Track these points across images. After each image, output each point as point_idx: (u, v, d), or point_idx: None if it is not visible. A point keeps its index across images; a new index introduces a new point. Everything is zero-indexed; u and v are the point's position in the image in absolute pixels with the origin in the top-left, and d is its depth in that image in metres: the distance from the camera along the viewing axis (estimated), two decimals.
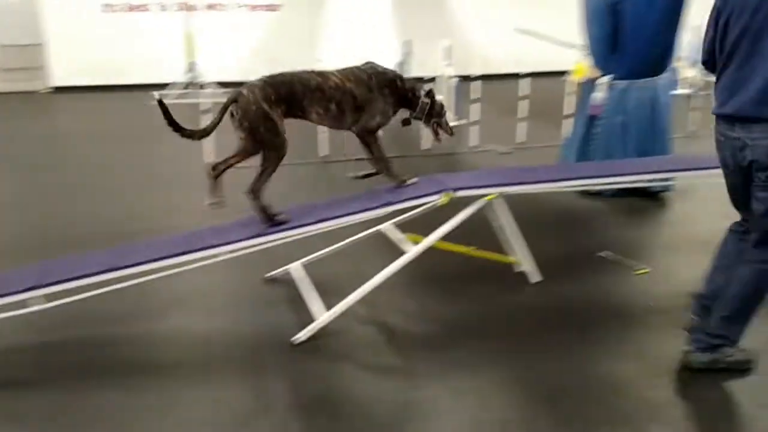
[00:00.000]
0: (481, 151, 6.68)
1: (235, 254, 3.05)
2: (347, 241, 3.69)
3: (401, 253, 3.23)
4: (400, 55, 9.91)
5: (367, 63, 3.22)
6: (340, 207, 3.21)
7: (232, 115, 2.93)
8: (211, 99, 6.65)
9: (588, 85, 5.04)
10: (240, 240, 2.97)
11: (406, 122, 3.38)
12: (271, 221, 3.00)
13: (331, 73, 3.09)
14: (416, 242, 3.27)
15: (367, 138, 3.19)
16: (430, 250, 3.27)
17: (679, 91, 10.39)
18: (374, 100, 3.11)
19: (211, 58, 11.00)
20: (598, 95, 4.89)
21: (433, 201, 3.22)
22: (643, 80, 4.80)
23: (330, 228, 3.13)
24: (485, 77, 7.34)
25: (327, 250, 3.70)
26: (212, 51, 11.15)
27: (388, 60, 10.54)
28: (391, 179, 3.31)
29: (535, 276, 3.58)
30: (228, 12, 12.06)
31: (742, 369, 2.70)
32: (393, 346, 3.00)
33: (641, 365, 2.81)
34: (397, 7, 12.80)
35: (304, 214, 3.15)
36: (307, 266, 3.64)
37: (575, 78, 5.61)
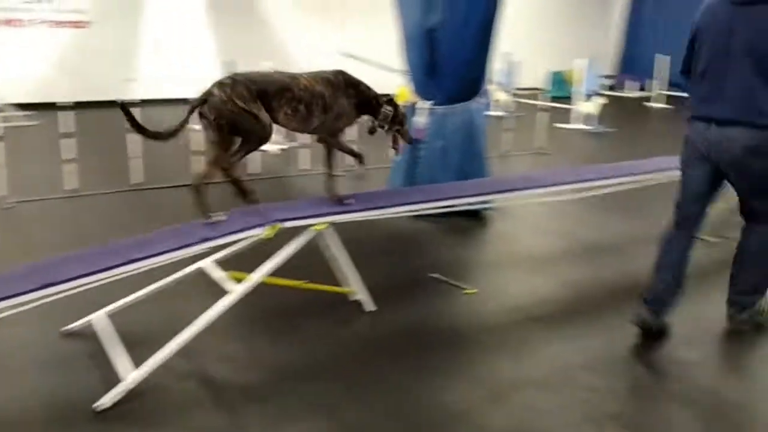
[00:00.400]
0: (313, 174, 6.54)
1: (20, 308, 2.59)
2: (161, 283, 3.29)
3: (225, 293, 2.95)
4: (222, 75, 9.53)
5: (337, 70, 3.26)
6: (152, 245, 2.85)
7: (202, 116, 2.87)
8: (5, 123, 5.89)
9: (410, 110, 5.09)
10: (26, 292, 2.51)
11: (371, 130, 3.38)
12: (247, 195, 3.05)
13: (300, 75, 3.10)
14: (241, 280, 3.01)
15: (330, 140, 3.26)
16: (258, 287, 3.03)
17: (492, 113, 11.12)
18: (339, 100, 3.15)
19: (8, 79, 9.93)
20: (420, 120, 4.96)
21: (257, 234, 2.99)
22: (460, 105, 4.95)
23: (141, 269, 2.78)
24: None
25: (137, 294, 3.27)
26: (8, 70, 10.08)
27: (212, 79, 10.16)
28: (329, 191, 3.37)
29: (369, 305, 3.47)
30: (28, 29, 10.91)
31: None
32: (219, 402, 2.68)
33: (477, 390, 2.78)
34: (216, 27, 12.40)
35: (109, 254, 2.76)
36: (113, 315, 3.18)
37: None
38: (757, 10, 2.85)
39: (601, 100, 10.12)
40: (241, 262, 3.20)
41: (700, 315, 3.54)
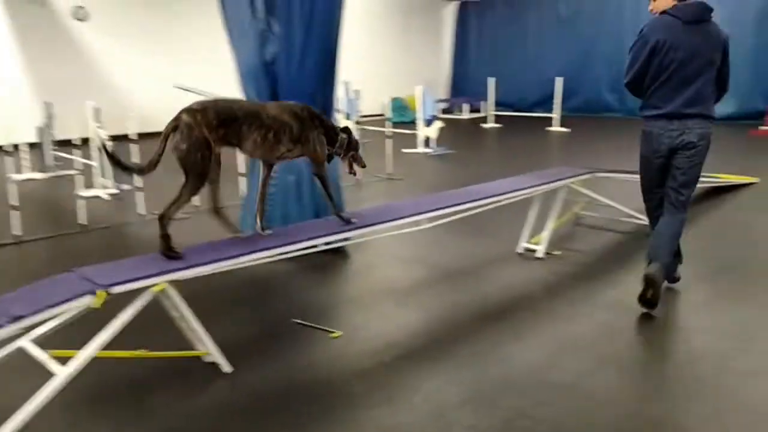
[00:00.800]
0: (149, 220, 6.01)
1: None
2: None
3: (50, 375, 2.50)
4: (43, 117, 8.65)
5: (302, 104, 3.41)
6: None
7: (163, 139, 2.89)
8: None
9: None
10: None
11: (329, 158, 3.54)
12: (169, 252, 2.96)
13: (267, 104, 3.28)
14: (67, 358, 2.57)
15: (321, 172, 3.45)
16: (94, 362, 2.60)
17: None
18: (310, 131, 3.33)
19: None
20: None
21: (81, 306, 2.56)
22: None
23: None
24: (144, 136, 6.73)
25: None
26: None
27: (29, 123, 9.24)
28: (336, 214, 3.61)
29: (225, 366, 3.13)
30: None
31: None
32: None
33: None
34: (31, 65, 11.30)
35: None
36: None
37: None
38: (704, 26, 3.74)
39: (440, 124, 10.45)
40: (69, 335, 2.74)
41: (555, 333, 3.59)
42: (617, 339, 3.50)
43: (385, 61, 15.93)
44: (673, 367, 3.25)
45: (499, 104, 14.89)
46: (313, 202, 4.79)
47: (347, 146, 3.57)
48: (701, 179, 4.07)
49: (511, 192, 4.55)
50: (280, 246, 3.33)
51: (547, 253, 4.87)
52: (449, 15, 17.62)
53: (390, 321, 3.80)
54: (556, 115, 12.74)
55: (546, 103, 15.33)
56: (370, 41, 15.67)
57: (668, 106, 3.76)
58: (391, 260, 4.96)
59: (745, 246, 5.21)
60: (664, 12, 3.78)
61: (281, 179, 4.76)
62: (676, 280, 4.18)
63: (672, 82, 3.74)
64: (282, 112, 3.24)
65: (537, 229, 5.01)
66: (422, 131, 10.49)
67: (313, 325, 3.67)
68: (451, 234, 5.21)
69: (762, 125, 11.26)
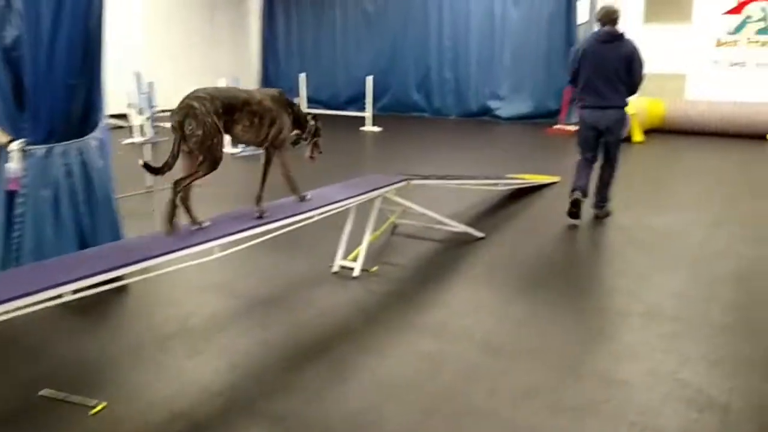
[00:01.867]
0: None
1: None
2: None
3: None
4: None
5: (278, 90, 3.62)
6: None
7: (177, 128, 3.02)
8: None
9: None
10: None
11: (296, 142, 3.82)
12: (170, 224, 3.12)
13: (252, 91, 3.47)
14: None
15: (275, 152, 3.57)
16: None
17: (133, 140, 9.85)
18: (283, 116, 3.54)
19: None
20: (12, 166, 3.69)
21: None
22: (66, 143, 3.81)
23: None
24: None
25: None
26: None
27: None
28: (294, 194, 3.91)
29: None
30: None
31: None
32: None
33: None
34: None
35: None
36: None
37: None
38: (613, 45, 5.45)
39: None
40: None
41: (377, 372, 3.11)
42: (445, 375, 3.10)
43: (187, 55, 14.67)
44: (511, 408, 2.91)
45: (311, 101, 14.40)
46: (75, 225, 3.85)
47: (314, 133, 3.87)
48: (507, 182, 6.45)
49: (326, 206, 4.01)
50: (20, 297, 2.46)
51: (364, 270, 4.41)
52: (256, 8, 16.76)
53: (179, 378, 3.07)
54: (368, 114, 12.52)
55: (358, 102, 15.14)
56: (169, 33, 14.34)
57: (589, 100, 5.60)
58: (186, 290, 4.18)
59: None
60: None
61: (32, 195, 3.76)
62: (608, 213, 5.93)
63: (591, 82, 5.53)
64: (264, 97, 3.46)
65: (353, 243, 4.54)
66: None
67: (69, 396, 2.81)
68: (258, 251, 4.54)
69: (556, 124, 11.94)
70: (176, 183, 3.13)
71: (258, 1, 16.71)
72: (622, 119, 5.62)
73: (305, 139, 3.85)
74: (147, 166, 3.12)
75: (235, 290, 4.18)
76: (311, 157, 3.96)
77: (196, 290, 4.18)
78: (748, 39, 11.54)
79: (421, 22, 14.31)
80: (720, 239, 5.27)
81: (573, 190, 5.69)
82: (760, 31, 11.42)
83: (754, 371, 3.15)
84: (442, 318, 3.75)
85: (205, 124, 3.02)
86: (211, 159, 3.11)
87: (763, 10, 11.33)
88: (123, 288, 4.04)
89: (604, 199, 5.87)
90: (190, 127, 3.00)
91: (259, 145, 3.54)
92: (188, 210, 3.30)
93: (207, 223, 3.38)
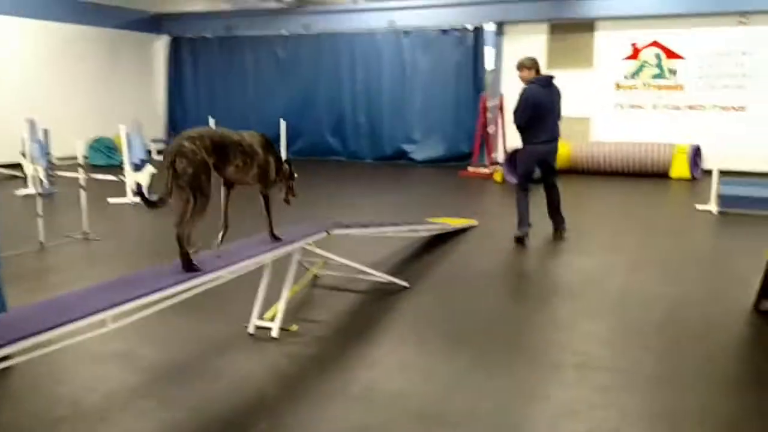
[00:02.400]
0: None
1: None
2: None
3: None
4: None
5: (261, 134, 3.82)
6: None
7: (168, 166, 3.14)
8: None
9: None
10: None
11: (273, 183, 3.96)
12: (190, 267, 3.24)
13: (240, 133, 3.60)
14: None
15: (269, 193, 3.88)
16: None
17: (27, 191, 9.10)
18: (269, 157, 3.76)
19: None
20: None
21: None
22: None
23: None
24: None
25: None
26: None
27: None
28: (270, 234, 4.03)
29: None
30: None
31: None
32: None
33: None
34: None
35: None
36: None
37: None
38: (551, 87, 6.54)
39: (151, 169, 9.07)
40: None
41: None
42: None
43: (87, 100, 13.92)
44: None
45: None
46: None
47: (289, 176, 4.05)
48: (427, 227, 6.64)
49: (241, 261, 3.68)
50: None
51: (283, 330, 4.07)
52: (161, 50, 16.20)
53: None
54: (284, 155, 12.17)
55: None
56: (65, 78, 13.58)
57: (543, 136, 6.47)
58: (81, 363, 3.69)
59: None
60: (531, 82, 6.46)
61: None
62: (564, 230, 6.79)
63: (543, 122, 6.42)
64: (253, 141, 3.62)
65: (271, 300, 4.20)
66: (131, 177, 9.04)
67: None
68: (167, 313, 4.11)
69: (468, 166, 12.08)
70: (178, 237, 3.26)
71: (164, 44, 16.19)
72: (554, 148, 6.71)
73: (280, 181, 3.99)
74: (142, 197, 3.29)
75: (138, 360, 3.74)
76: (286, 200, 4.17)
77: (92, 362, 3.70)
78: (644, 83, 12.19)
79: (333, 67, 14.29)
80: (640, 282, 5.30)
81: (523, 230, 6.48)
82: (655, 76, 12.09)
83: (696, 424, 3.05)
84: (369, 382, 3.46)
85: (195, 162, 3.14)
86: (202, 194, 3.20)
87: (657, 56, 12.02)
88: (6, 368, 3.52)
89: (563, 218, 6.78)
90: (182, 165, 3.11)
91: (247, 184, 3.75)
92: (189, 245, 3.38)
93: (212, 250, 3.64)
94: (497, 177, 11.04)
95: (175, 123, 15.93)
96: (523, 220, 6.49)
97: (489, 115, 12.18)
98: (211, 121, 12.09)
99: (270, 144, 3.82)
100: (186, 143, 3.17)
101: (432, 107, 13.44)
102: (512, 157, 10.67)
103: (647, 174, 11.33)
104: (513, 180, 9.50)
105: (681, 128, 11.74)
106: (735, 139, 11.38)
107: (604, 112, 12.39)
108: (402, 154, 13.78)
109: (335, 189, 10.66)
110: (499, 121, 12.40)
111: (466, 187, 10.78)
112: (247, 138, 3.61)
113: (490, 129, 12.37)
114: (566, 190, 8.93)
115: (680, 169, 11.11)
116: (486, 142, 12.26)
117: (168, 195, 3.19)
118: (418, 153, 13.59)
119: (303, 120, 14.46)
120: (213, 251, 3.70)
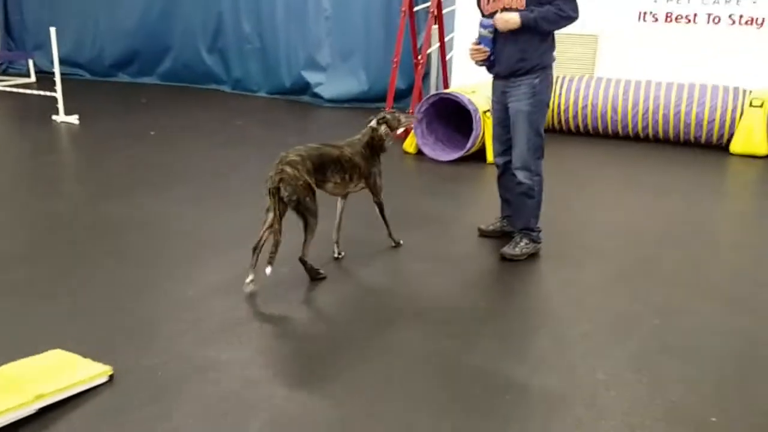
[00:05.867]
0: None
1: None
2: None
3: None
4: None
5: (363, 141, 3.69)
6: None
7: (274, 193, 3.15)
8: None
9: None
10: None
11: (384, 149, 3.79)
12: (317, 276, 3.37)
13: (341, 146, 3.56)
14: None
15: (380, 200, 3.74)
16: None
17: None
18: (373, 167, 3.68)
19: None
20: None
21: None
22: None
23: None
24: None
25: None
26: None
27: None
28: (390, 236, 3.85)
29: None
30: None
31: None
32: None
33: None
34: None
35: None
36: None
37: None
38: None
39: None
40: None
41: None
42: None
43: None
44: None
45: (67, 64, 9.61)
46: None
47: (388, 126, 3.74)
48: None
49: None
50: None
51: None
52: None
53: None
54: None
55: (130, 65, 10.14)
56: None
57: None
58: None
59: None
60: None
61: None
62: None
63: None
64: (354, 153, 3.55)
65: None
66: None
67: None
68: None
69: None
70: (302, 260, 3.30)
71: None
72: None
73: (387, 143, 3.75)
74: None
75: None
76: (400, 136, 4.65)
77: None
78: None
79: None
80: None
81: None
82: None
83: None
84: None
85: (298, 188, 3.16)
86: (311, 215, 3.24)
87: None
88: None
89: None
90: (287, 193, 3.13)
91: (344, 196, 3.68)
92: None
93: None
94: (408, 145, 6.23)
95: (10, 33, 11.18)
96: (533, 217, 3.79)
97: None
98: (53, 32, 7.21)
99: (369, 150, 3.65)
100: (288, 169, 3.16)
101: (348, 17, 8.44)
102: (438, 107, 5.94)
103: (683, 142, 6.41)
104: (434, 153, 6.00)
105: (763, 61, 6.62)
106: None
107: (621, 27, 7.19)
108: (305, 88, 8.89)
109: (203, 147, 6.14)
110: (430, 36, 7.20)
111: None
112: (348, 151, 3.53)
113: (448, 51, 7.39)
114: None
115: (753, 137, 6.14)
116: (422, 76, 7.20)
117: (279, 222, 3.14)
118: (328, 87, 8.67)
119: (171, 30, 9.64)
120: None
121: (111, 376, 2.37)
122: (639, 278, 3.54)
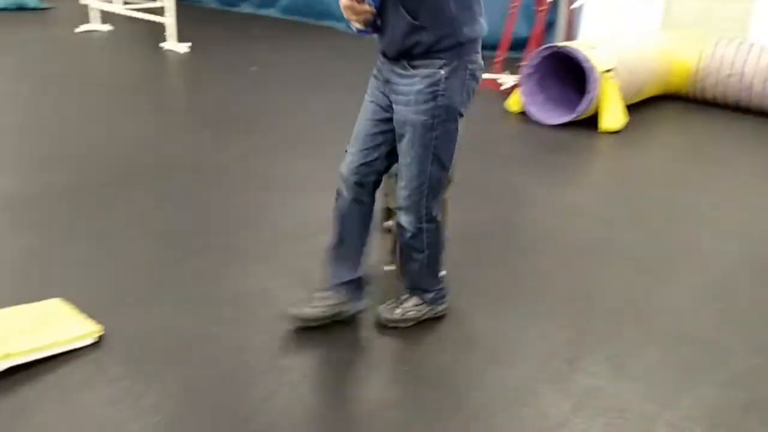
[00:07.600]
0: None
1: None
2: None
3: None
4: None
5: None
6: None
7: None
8: None
9: None
10: None
11: None
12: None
13: None
14: None
15: None
16: None
17: None
18: None
19: None
20: None
21: None
22: None
23: None
24: None
25: None
26: None
27: None
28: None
29: None
30: None
31: None
32: None
33: None
34: None
35: None
36: None
37: None
38: None
39: None
40: None
41: None
42: None
43: None
44: None
45: None
46: None
47: None
48: None
49: None
50: None
51: None
52: None
53: None
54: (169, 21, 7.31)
55: None
56: None
57: None
58: None
59: None
60: None
61: None
62: None
63: None
64: None
65: None
66: None
67: None
68: None
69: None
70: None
71: None
72: None
73: None
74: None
75: None
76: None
77: None
78: None
79: None
80: None
81: None
82: None
83: None
84: None
85: None
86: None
87: None
88: None
89: None
90: None
91: None
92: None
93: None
94: (512, 102, 5.64)
95: None
96: None
97: None
98: None
99: None
100: None
101: None
102: (554, 62, 5.36)
103: None
104: (540, 114, 5.36)
105: None
106: None
107: None
108: None
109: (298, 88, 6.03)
110: None
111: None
112: None
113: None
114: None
115: None
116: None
117: None
118: None
119: None
120: None
121: (100, 338, 2.24)
122: (743, 307, 2.92)
